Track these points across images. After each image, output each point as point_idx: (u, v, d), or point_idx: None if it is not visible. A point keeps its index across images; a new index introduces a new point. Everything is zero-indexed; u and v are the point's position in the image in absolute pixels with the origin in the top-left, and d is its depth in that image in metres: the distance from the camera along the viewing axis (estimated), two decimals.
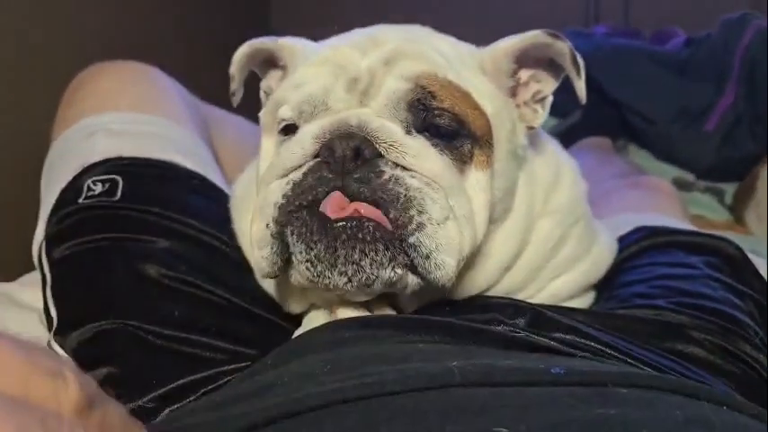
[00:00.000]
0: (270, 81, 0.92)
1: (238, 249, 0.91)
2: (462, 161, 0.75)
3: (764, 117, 1.84)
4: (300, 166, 0.71)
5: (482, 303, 0.77)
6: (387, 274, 0.67)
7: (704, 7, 2.46)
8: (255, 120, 0.89)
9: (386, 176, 0.69)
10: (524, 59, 0.83)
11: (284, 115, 0.77)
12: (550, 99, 0.87)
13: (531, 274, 0.85)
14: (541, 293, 0.88)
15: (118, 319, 0.77)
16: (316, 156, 0.71)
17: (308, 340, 0.68)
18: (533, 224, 0.85)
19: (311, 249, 0.67)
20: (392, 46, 0.78)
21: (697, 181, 1.93)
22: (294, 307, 0.84)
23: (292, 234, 0.68)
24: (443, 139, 0.74)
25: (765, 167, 1.79)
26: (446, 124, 0.74)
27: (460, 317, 0.70)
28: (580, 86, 0.82)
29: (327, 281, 0.67)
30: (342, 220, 0.67)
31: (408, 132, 0.73)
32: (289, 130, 0.78)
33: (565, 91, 0.85)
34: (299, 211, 0.69)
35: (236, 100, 0.93)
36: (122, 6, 1.92)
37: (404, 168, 0.70)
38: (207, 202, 0.95)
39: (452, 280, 0.70)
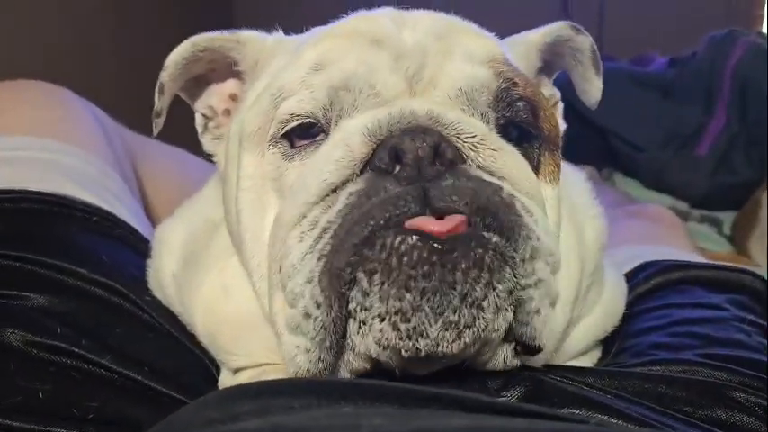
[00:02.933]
0: (211, 99, 0.71)
1: (150, 303, 0.71)
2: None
3: (763, 138, 1.69)
4: (343, 186, 0.51)
5: (458, 372, 0.57)
6: (498, 322, 0.49)
7: (682, 29, 2.35)
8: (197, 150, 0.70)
9: (503, 194, 0.50)
10: (548, 55, 0.70)
11: (298, 109, 0.56)
12: (562, 105, 0.73)
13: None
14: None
15: None
16: (364, 166, 0.51)
17: (186, 419, 0.46)
18: (585, 264, 0.68)
19: (407, 289, 0.46)
20: (436, 17, 0.61)
21: (692, 210, 1.77)
22: (240, 359, 0.63)
23: (368, 277, 0.47)
24: (513, 142, 0.57)
25: (766, 194, 1.63)
26: (526, 120, 0.58)
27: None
28: (597, 86, 0.70)
29: (420, 343, 0.47)
30: (455, 235, 0.47)
31: None
32: (296, 135, 0.57)
33: None
34: (374, 238, 0.47)
35: (159, 124, 0.71)
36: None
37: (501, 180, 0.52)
38: (108, 244, 0.75)
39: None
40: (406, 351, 0.47)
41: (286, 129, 0.57)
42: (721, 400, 0.61)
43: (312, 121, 0.56)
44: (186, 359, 0.69)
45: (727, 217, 1.75)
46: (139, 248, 0.79)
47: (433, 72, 0.56)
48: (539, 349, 0.52)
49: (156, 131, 0.71)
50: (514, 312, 0.49)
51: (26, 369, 0.59)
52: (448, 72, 0.56)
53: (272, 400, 0.44)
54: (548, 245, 0.51)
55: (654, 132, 1.86)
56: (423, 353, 0.47)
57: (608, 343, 0.77)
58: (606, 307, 0.74)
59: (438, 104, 0.54)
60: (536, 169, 0.59)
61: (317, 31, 0.63)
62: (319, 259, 0.49)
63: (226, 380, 0.65)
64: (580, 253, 0.67)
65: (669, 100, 1.89)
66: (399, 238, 0.46)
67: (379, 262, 0.46)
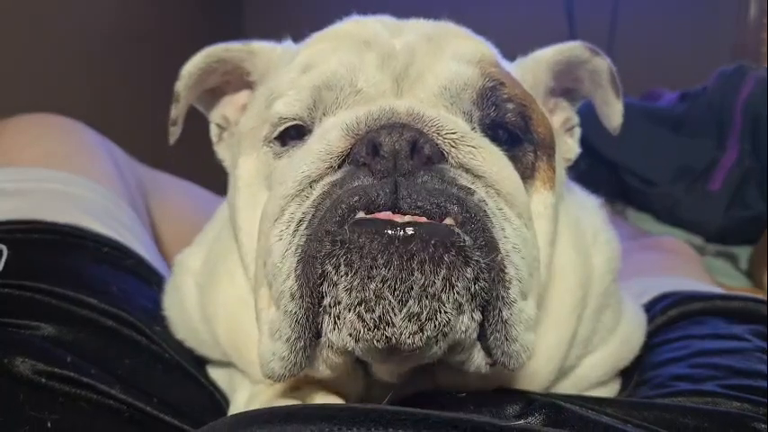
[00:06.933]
0: (225, 109, 0.72)
1: (160, 334, 0.70)
2: (524, 176, 0.57)
3: None
4: (319, 180, 0.51)
5: (476, 397, 0.55)
6: (463, 322, 0.46)
7: (689, 67, 2.36)
8: (213, 186, 0.70)
9: (476, 197, 0.49)
10: (561, 76, 0.70)
11: (285, 112, 0.57)
12: (579, 130, 0.73)
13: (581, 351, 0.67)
14: (562, 382, 0.67)
15: None
16: (343, 160, 0.51)
17: None
18: (590, 282, 0.67)
19: (370, 279, 0.45)
20: (430, 22, 0.62)
21: (707, 245, 1.74)
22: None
23: (335, 268, 0.46)
24: (504, 145, 0.56)
25: None
26: (515, 123, 0.57)
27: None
28: (618, 109, 0.70)
29: (387, 332, 0.45)
30: (413, 225, 0.45)
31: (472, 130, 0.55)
32: (289, 136, 0.58)
33: None
34: (341, 229, 0.46)
35: (175, 132, 0.72)
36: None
37: (478, 178, 0.51)
38: (118, 275, 0.75)
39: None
40: (377, 341, 0.46)
41: (276, 132, 0.58)
42: (745, 431, 0.60)
43: (299, 123, 0.57)
44: (194, 391, 0.68)
45: (743, 251, 1.72)
46: (150, 279, 0.79)
47: (420, 70, 0.56)
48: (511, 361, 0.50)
49: (172, 140, 0.72)
50: (483, 314, 0.48)
51: (35, 398, 0.58)
52: (434, 70, 0.56)
53: (283, 426, 0.43)
54: (520, 247, 0.50)
55: (666, 167, 1.84)
56: (393, 341, 0.45)
57: (627, 376, 0.76)
58: (624, 336, 0.72)
59: (421, 102, 0.54)
60: (531, 173, 0.58)
61: (314, 35, 0.65)
62: (296, 252, 0.48)
63: (239, 404, 0.64)
64: (582, 269, 0.66)
65: (681, 134, 1.87)
66: (361, 229, 0.45)
67: (343, 253, 0.45)
